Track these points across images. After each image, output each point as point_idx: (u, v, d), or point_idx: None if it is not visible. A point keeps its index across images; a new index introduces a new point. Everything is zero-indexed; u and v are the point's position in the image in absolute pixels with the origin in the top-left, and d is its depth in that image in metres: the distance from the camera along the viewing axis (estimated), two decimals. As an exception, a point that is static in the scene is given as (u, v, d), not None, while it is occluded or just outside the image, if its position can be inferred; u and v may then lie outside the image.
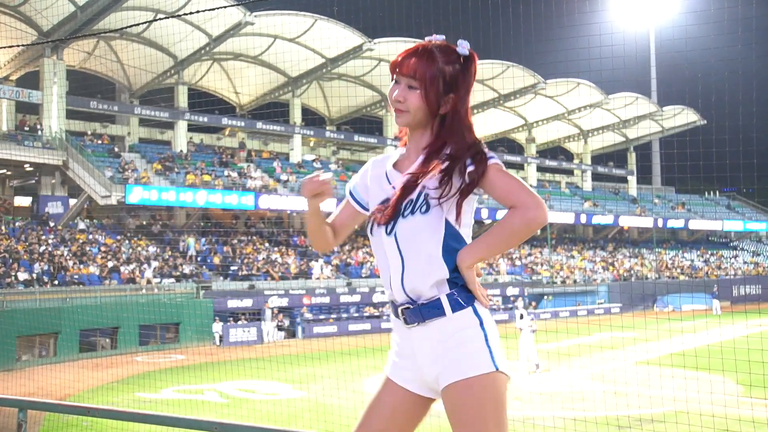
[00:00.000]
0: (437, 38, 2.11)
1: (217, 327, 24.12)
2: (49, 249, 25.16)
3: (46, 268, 23.74)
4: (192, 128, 36.23)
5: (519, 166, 48.38)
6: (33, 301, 20.92)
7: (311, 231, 2.27)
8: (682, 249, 49.45)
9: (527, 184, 2.05)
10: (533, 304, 33.10)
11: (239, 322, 24.85)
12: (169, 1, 27.72)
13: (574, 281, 38.39)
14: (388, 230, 2.08)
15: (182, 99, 34.14)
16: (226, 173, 32.56)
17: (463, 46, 2.08)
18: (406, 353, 2.13)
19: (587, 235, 47.96)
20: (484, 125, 43.85)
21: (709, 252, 49.69)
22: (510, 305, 31.80)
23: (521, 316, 18.86)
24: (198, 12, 14.28)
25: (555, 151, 50.62)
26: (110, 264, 25.71)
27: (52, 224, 27.80)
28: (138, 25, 24.76)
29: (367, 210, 2.26)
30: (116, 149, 32.06)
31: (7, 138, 28.94)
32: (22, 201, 34.04)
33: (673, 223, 47.76)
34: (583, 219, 43.64)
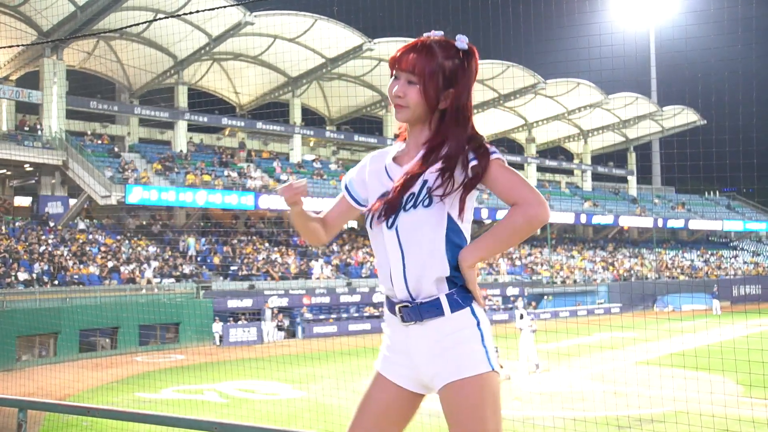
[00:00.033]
0: (435, 34, 2.10)
1: (217, 327, 24.12)
2: (49, 249, 25.16)
3: (46, 268, 23.74)
4: (192, 128, 36.23)
5: (519, 166, 48.31)
6: (33, 301, 20.91)
7: (298, 230, 2.32)
8: (682, 249, 49.45)
9: (529, 181, 2.05)
10: (533, 304, 33.10)
11: (239, 322, 24.85)
12: (169, 1, 27.71)
13: (574, 281, 38.39)
14: (389, 224, 2.07)
15: (182, 99, 34.14)
16: (226, 173, 32.57)
17: (462, 41, 2.08)
18: (401, 350, 2.13)
19: (587, 235, 47.96)
20: (484, 125, 43.84)
21: (709, 252, 49.70)
22: (510, 305, 31.81)
23: (521, 316, 18.86)
24: (198, 12, 14.28)
25: (555, 151, 50.62)
26: (110, 264, 25.70)
27: (52, 224, 27.80)
28: (138, 25, 24.77)
29: (362, 205, 2.27)
30: (116, 149, 32.06)
31: (7, 138, 28.94)
32: (22, 201, 34.04)
33: (673, 223, 47.75)
34: (583, 219, 43.63)
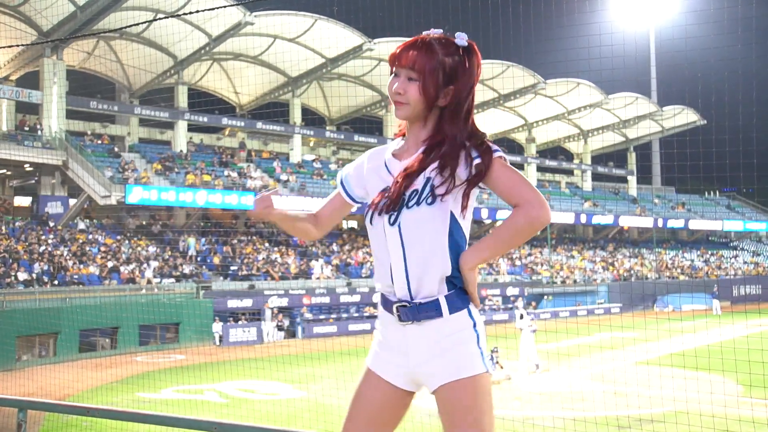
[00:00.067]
0: (435, 32, 2.10)
1: (217, 327, 24.12)
2: (49, 249, 25.16)
3: (46, 268, 23.74)
4: (192, 128, 36.23)
5: (519, 166, 48.30)
6: (33, 301, 20.90)
7: (286, 232, 2.35)
8: (682, 249, 49.45)
9: (530, 181, 2.05)
10: (533, 304, 33.09)
11: (239, 322, 24.85)
12: (169, 1, 27.71)
13: (574, 281, 38.39)
14: (392, 221, 2.06)
15: (182, 99, 34.14)
16: (226, 173, 32.57)
17: (461, 38, 2.08)
18: (397, 349, 2.12)
19: (587, 235, 47.96)
20: (484, 125, 43.78)
21: (709, 252, 49.70)
22: (510, 305, 31.80)
23: (521, 316, 18.87)
24: (198, 12, 14.29)
25: (555, 151, 50.62)
26: (110, 264, 25.70)
27: (52, 224, 27.80)
28: (138, 24, 24.77)
29: (356, 202, 2.28)
30: (116, 149, 32.06)
31: (7, 138, 28.94)
32: (22, 201, 34.04)
33: (673, 223, 47.75)
34: (583, 219, 43.62)
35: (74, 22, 27.85)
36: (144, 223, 31.24)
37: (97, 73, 35.28)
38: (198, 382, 15.64)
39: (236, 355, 20.00)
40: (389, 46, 33.93)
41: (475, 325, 2.08)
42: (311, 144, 42.62)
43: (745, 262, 49.39)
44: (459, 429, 2.02)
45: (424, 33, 2.11)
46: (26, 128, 30.39)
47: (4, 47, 13.20)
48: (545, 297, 34.95)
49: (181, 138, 33.99)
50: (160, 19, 25.44)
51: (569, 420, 11.93)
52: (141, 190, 28.35)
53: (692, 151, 21.27)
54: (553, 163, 49.90)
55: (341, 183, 2.30)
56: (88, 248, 26.39)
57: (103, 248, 26.76)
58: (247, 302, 25.60)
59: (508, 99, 41.92)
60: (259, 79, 36.38)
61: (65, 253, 25.33)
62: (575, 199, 46.50)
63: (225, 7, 22.73)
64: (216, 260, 28.89)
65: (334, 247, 33.51)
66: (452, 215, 2.05)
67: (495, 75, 39.01)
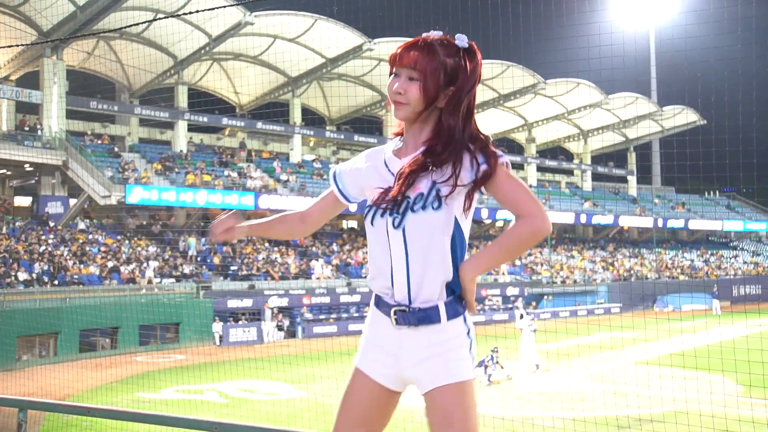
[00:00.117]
0: (435, 34, 2.11)
1: (217, 327, 24.12)
2: (49, 249, 25.16)
3: (46, 268, 23.75)
4: (192, 128, 36.24)
5: (519, 166, 48.35)
6: (33, 301, 20.90)
7: (272, 237, 2.39)
8: (682, 249, 49.45)
9: (531, 191, 2.06)
10: (533, 304, 33.10)
11: (239, 322, 24.85)
12: (169, 1, 27.72)
13: (574, 281, 38.40)
14: (396, 224, 2.05)
15: (182, 99, 34.14)
16: (226, 173, 32.57)
17: (462, 39, 2.08)
18: (389, 351, 2.13)
19: (587, 235, 47.95)
20: (484, 125, 43.82)
21: (709, 252, 49.70)
22: (510, 305, 31.81)
23: (521, 316, 18.88)
24: (198, 12, 14.28)
25: (555, 151, 50.61)
26: (110, 264, 25.71)
27: (52, 224, 27.80)
28: (138, 24, 24.77)
29: (349, 201, 2.28)
30: (116, 149, 32.07)
31: (7, 138, 28.95)
32: (22, 201, 34.04)
33: (673, 223, 47.75)
34: (583, 219, 43.62)
35: (74, 22, 27.86)
36: (144, 223, 31.25)
37: (97, 73, 35.28)
38: (198, 382, 15.64)
39: (236, 355, 20.00)
40: (389, 46, 33.94)
41: (468, 332, 2.10)
42: (311, 144, 42.62)
43: (745, 262, 49.39)
44: (446, 431, 2.04)
45: (424, 34, 2.11)
46: (26, 128, 30.40)
47: (4, 47, 13.20)
48: (545, 297, 34.95)
49: (181, 138, 33.99)
50: (160, 19, 25.46)
51: (569, 420, 11.93)
52: (141, 190, 28.36)
53: (692, 151, 21.27)
54: (553, 163, 49.90)
55: (335, 181, 2.29)
56: (88, 248, 26.39)
57: (103, 248, 26.76)
58: (247, 302, 25.61)
59: (508, 99, 41.92)
60: (259, 79, 36.38)
61: (65, 253, 25.33)
62: (575, 199, 46.50)
63: (225, 7, 22.72)
64: (216, 260, 28.89)
65: (334, 247, 33.51)
66: (456, 220, 2.06)
67: (495, 75, 39.01)
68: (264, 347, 23.11)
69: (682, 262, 46.85)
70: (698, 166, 20.42)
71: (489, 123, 44.05)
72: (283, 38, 33.50)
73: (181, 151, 33.52)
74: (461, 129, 2.08)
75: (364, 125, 41.83)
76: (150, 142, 35.90)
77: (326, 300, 27.68)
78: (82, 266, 24.86)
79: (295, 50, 33.36)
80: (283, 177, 34.31)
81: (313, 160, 38.79)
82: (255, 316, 25.45)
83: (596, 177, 51.79)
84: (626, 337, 20.54)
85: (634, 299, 33.33)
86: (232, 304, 25.16)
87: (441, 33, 2.11)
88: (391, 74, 2.12)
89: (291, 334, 26.05)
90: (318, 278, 29.57)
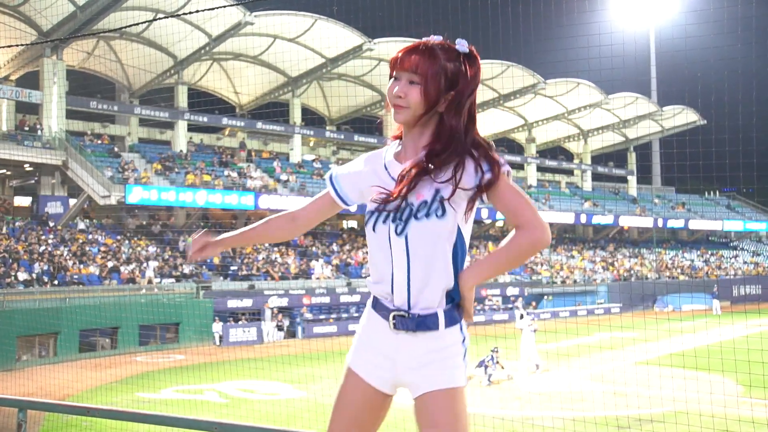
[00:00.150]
0: (435, 38, 2.11)
1: (217, 327, 24.12)
2: (49, 249, 25.16)
3: (46, 268, 23.74)
4: (192, 128, 36.24)
5: (519, 166, 48.38)
6: (33, 301, 20.90)
7: (258, 243, 2.40)
8: (682, 249, 49.45)
9: (531, 201, 2.06)
10: (533, 304, 33.10)
11: (239, 322, 24.85)
12: (169, 1, 27.72)
13: (574, 281, 38.40)
14: (399, 231, 2.05)
15: (182, 99, 34.14)
16: (226, 173, 32.57)
17: (462, 44, 2.09)
18: (384, 354, 2.13)
19: (587, 235, 47.96)
20: (484, 125, 43.85)
21: (709, 252, 49.70)
22: (510, 305, 31.81)
23: (521, 316, 18.89)
24: (198, 12, 14.28)
25: (555, 151, 50.60)
26: (110, 264, 25.71)
27: (51, 224, 27.80)
28: (138, 24, 24.77)
29: (347, 204, 2.27)
30: (116, 149, 32.06)
31: (7, 138, 28.95)
32: (22, 201, 34.04)
33: (673, 223, 47.75)
34: (583, 219, 43.62)
35: (74, 22, 27.86)
36: (144, 223, 31.24)
37: (97, 73, 35.28)
38: (198, 382, 15.64)
39: (236, 355, 20.00)
40: (389, 46, 33.94)
41: (464, 340, 2.11)
42: (311, 144, 42.62)
43: (745, 262, 49.39)
44: None
45: (425, 39, 2.11)
46: (26, 128, 30.39)
47: (4, 47, 13.18)
48: (545, 297, 34.95)
49: (181, 138, 33.99)
50: (160, 19, 25.45)
51: (569, 420, 11.94)
52: (141, 190, 28.36)
53: (692, 151, 21.27)
54: (553, 163, 49.90)
55: (331, 184, 2.28)
56: (88, 248, 26.39)
57: (103, 248, 26.76)
58: (247, 302, 25.61)
59: (508, 99, 41.92)
60: (259, 79, 36.38)
61: (65, 253, 25.33)
62: (575, 199, 46.50)
63: (225, 7, 22.73)
64: (216, 260, 28.87)
65: (334, 247, 33.51)
66: (458, 227, 2.06)
67: (495, 75, 39.00)
68: (264, 347, 23.11)
69: (682, 262, 46.85)
70: (698, 166, 20.42)
71: (489, 123, 44.05)
72: (283, 38, 33.49)
73: (181, 151, 33.52)
74: (463, 132, 2.07)
75: (364, 125, 41.83)
76: (150, 142, 35.90)
77: (326, 300, 27.68)
78: (81, 266, 24.86)
79: (295, 50, 33.37)
80: (283, 177, 34.31)
81: (313, 160, 38.79)
82: (255, 316, 25.45)
83: (596, 177, 51.79)
84: (626, 337, 20.54)
85: (634, 299, 33.33)
86: (232, 304, 25.16)
87: (441, 38, 2.11)
88: (391, 78, 2.12)
89: (291, 334, 26.05)
90: (318, 278, 29.57)
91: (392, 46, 33.97)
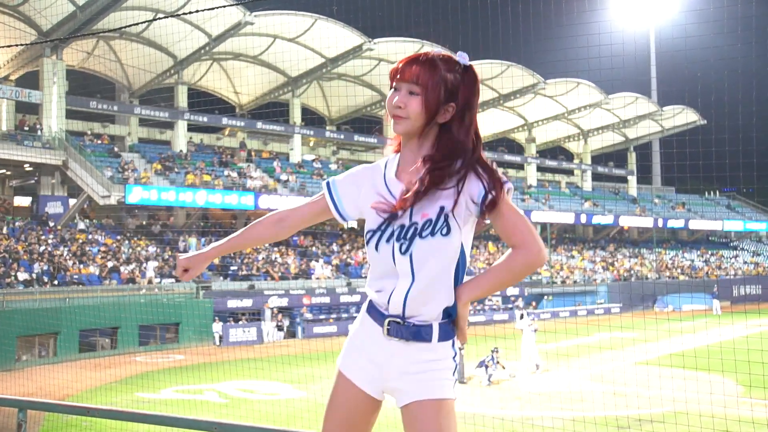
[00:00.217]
0: (435, 50, 2.12)
1: (217, 327, 24.12)
2: (49, 249, 25.15)
3: (45, 268, 23.74)
4: (192, 128, 36.23)
5: (519, 166, 48.39)
6: (33, 301, 20.90)
7: (246, 248, 2.39)
8: (682, 249, 49.45)
9: (529, 221, 2.06)
10: (533, 304, 33.10)
11: (239, 322, 24.85)
12: (169, 1, 27.72)
13: (574, 281, 38.39)
14: (403, 249, 2.04)
15: (182, 99, 34.14)
16: (226, 173, 32.57)
17: (463, 57, 2.09)
18: (374, 359, 2.13)
19: (587, 235, 47.95)
20: (484, 125, 43.84)
21: (709, 252, 49.70)
22: (510, 305, 31.82)
23: (521, 316, 18.89)
24: (198, 12, 14.28)
25: (555, 151, 50.60)
26: (110, 264, 25.70)
27: (51, 224, 27.80)
28: (138, 24, 24.77)
29: (345, 219, 2.24)
30: (116, 149, 32.06)
31: (7, 138, 28.94)
32: (22, 201, 34.04)
33: (673, 223, 47.76)
34: (583, 219, 43.63)
35: (74, 22, 27.85)
36: (144, 223, 31.24)
37: (97, 73, 35.28)
38: (198, 382, 15.64)
39: (236, 355, 20.01)
40: (389, 46, 33.94)
41: (454, 356, 2.11)
42: (311, 144, 42.61)
43: (745, 262, 49.39)
44: None
45: (425, 50, 2.13)
46: (26, 128, 30.38)
47: (4, 47, 13.18)
48: (545, 297, 34.95)
49: (181, 138, 33.99)
50: (160, 18, 25.45)
51: (569, 420, 11.94)
52: (141, 190, 28.36)
53: (692, 151, 21.28)
54: (553, 163, 49.90)
55: (330, 194, 2.24)
56: (88, 248, 26.39)
57: (102, 248, 26.76)
58: (247, 302, 25.60)
59: (508, 99, 41.91)
60: (259, 79, 36.38)
61: (65, 253, 25.33)
62: (575, 199, 46.50)
63: (225, 6, 22.75)
64: (216, 260, 28.87)
65: (334, 247, 33.51)
66: (461, 245, 2.07)
67: (495, 75, 39.00)
68: (264, 347, 23.11)
69: (682, 262, 46.85)
70: (698, 166, 20.44)
71: (489, 123, 44.06)
72: (283, 38, 33.49)
73: (181, 151, 33.52)
74: (464, 143, 2.07)
75: (364, 125, 41.82)
76: (150, 142, 35.89)
77: (326, 300, 27.68)
78: (81, 266, 24.85)
79: (295, 50, 33.37)
80: (283, 177, 34.31)
81: (313, 160, 38.78)
82: (255, 316, 25.44)
83: (596, 177, 51.78)
84: (626, 337, 20.54)
85: (634, 299, 33.33)
86: (232, 304, 25.16)
87: (441, 50, 2.13)
88: (391, 88, 2.12)
89: (291, 334, 26.04)
90: (318, 278, 29.57)
91: (392, 46, 33.98)
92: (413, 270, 2.04)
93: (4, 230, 26.03)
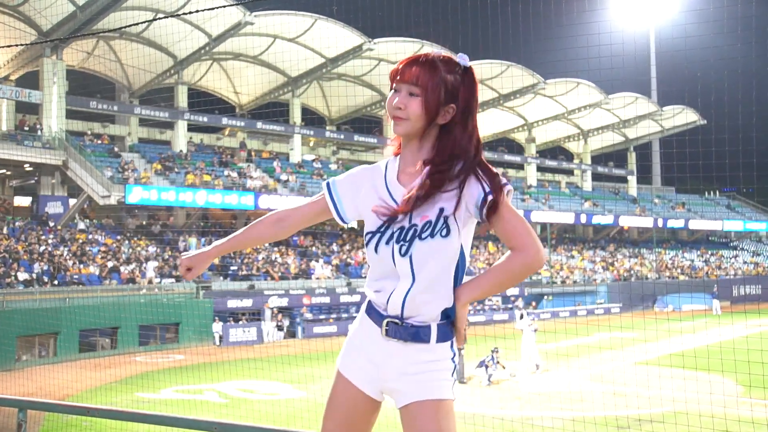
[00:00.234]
0: (435, 52, 2.12)
1: (217, 327, 24.12)
2: (49, 249, 25.15)
3: (45, 268, 23.74)
4: (192, 128, 36.23)
5: (519, 166, 48.38)
6: (33, 301, 20.90)
7: (246, 248, 2.40)
8: (682, 249, 49.45)
9: (528, 223, 2.06)
10: (533, 304, 33.10)
11: (239, 322, 24.85)
12: (169, 1, 27.72)
13: (574, 281, 38.39)
14: (403, 251, 2.05)
15: (182, 99, 34.13)
16: (226, 173, 32.57)
17: (464, 58, 2.09)
18: (372, 360, 2.13)
19: (587, 235, 47.95)
20: (484, 125, 43.83)
21: (709, 252, 49.70)
22: (510, 305, 31.82)
23: (521, 316, 18.90)
24: (198, 12, 14.29)
25: (555, 151, 50.60)
26: (110, 264, 25.70)
27: (51, 224, 27.80)
28: (138, 24, 24.77)
29: (344, 221, 2.24)
30: (116, 149, 32.07)
31: (7, 138, 28.95)
32: (22, 201, 34.04)
33: (673, 223, 47.75)
34: (583, 219, 43.63)
35: (74, 22, 27.85)
36: (144, 223, 31.23)
37: (97, 73, 35.27)
38: (198, 382, 15.64)
39: (236, 355, 20.01)
40: (389, 46, 33.93)
41: (453, 357, 2.11)
42: (311, 144, 42.60)
43: (745, 262, 49.39)
44: None
45: (425, 52, 2.12)
46: (26, 128, 30.38)
47: (4, 47, 13.18)
48: (545, 297, 34.94)
49: (181, 138, 33.99)
50: (160, 18, 25.44)
51: (569, 420, 11.94)
52: (141, 190, 28.36)
53: (692, 151, 21.28)
54: (553, 163, 49.90)
55: (330, 195, 2.24)
56: (88, 248, 26.39)
57: (103, 248, 26.76)
58: (247, 302, 25.61)
59: (508, 99, 41.91)
60: (259, 79, 36.38)
61: (65, 253, 25.33)
62: (575, 199, 46.49)
63: (225, 6, 22.75)
64: (216, 260, 28.85)
65: (334, 247, 33.51)
66: (461, 247, 2.07)
67: (495, 75, 39.00)
68: (264, 347, 23.11)
69: (682, 262, 46.85)
70: (698, 166, 20.44)
71: (489, 123, 44.06)
72: (283, 38, 33.49)
73: (181, 151, 33.52)
74: (464, 145, 2.07)
75: (364, 125, 41.83)
76: (150, 142, 35.89)
77: (326, 300, 27.68)
78: (81, 266, 24.85)
79: (295, 50, 33.37)
80: (283, 177, 34.30)
81: (313, 160, 38.78)
82: (255, 316, 25.45)
83: (596, 177, 51.78)
84: (626, 337, 20.54)
85: (634, 299, 33.33)
86: (232, 304, 25.16)
87: (440, 51, 2.12)
88: (391, 90, 2.12)
89: (291, 334, 26.04)
90: (318, 278, 29.57)
91: (392, 46, 33.98)
92: (413, 271, 2.04)
93: (4, 230, 26.04)
